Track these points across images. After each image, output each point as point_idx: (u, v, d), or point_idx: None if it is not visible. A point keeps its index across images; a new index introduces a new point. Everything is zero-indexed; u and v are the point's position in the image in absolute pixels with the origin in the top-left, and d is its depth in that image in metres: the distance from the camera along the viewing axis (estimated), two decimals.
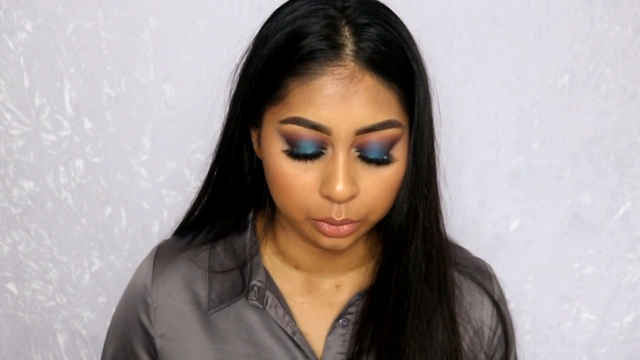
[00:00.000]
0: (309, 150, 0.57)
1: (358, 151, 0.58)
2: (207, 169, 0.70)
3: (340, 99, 0.55)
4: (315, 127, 0.56)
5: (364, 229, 0.62)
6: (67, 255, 1.02)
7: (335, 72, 0.55)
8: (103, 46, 0.91)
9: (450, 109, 0.92)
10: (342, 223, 0.59)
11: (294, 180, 0.58)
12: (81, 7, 0.89)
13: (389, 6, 0.61)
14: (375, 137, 0.57)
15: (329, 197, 0.58)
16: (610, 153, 0.94)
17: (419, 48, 0.60)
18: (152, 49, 0.91)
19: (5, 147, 0.96)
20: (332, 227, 0.60)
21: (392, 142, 0.58)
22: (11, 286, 1.04)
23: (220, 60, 0.90)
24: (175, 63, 0.91)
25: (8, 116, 0.95)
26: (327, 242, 0.61)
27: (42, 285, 1.04)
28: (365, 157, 0.58)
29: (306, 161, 0.58)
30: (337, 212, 0.59)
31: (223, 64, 0.89)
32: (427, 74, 0.61)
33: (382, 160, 0.58)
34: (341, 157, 0.56)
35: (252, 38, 0.62)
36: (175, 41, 0.90)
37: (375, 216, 0.62)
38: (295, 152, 0.57)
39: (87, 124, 0.95)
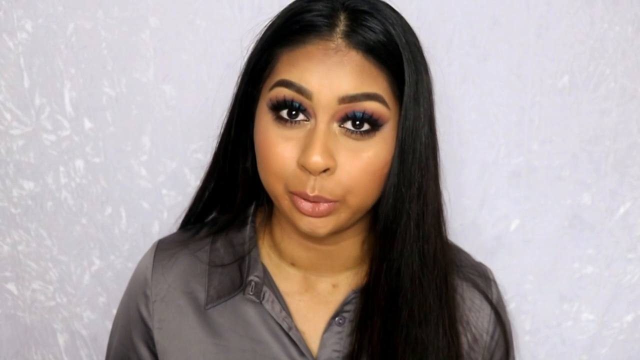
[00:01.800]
0: (291, 108, 0.58)
1: (340, 123, 0.58)
2: (209, 165, 0.71)
3: (325, 65, 0.57)
4: (298, 90, 0.57)
5: (344, 214, 0.61)
6: (67, 255, 1.02)
7: (321, 45, 0.57)
8: (103, 46, 0.91)
9: (450, 109, 0.92)
10: (315, 200, 0.59)
11: (275, 148, 0.59)
12: (81, 7, 0.89)
13: (393, 7, 0.62)
14: (358, 108, 0.57)
15: (304, 167, 0.58)
16: (610, 153, 0.94)
17: (420, 44, 0.61)
18: (152, 49, 0.91)
19: (5, 147, 0.96)
20: (307, 203, 0.59)
21: (376, 119, 0.58)
22: (11, 286, 1.04)
23: (221, 60, 0.90)
24: (175, 63, 0.91)
25: (8, 116, 0.95)
26: (304, 223, 0.61)
27: (42, 285, 1.04)
28: (347, 129, 0.58)
29: (286, 123, 0.59)
30: (311, 188, 0.58)
31: (223, 64, 0.90)
32: (428, 72, 0.62)
33: (364, 133, 0.58)
34: (321, 127, 0.57)
35: (257, 38, 0.64)
36: (175, 41, 0.90)
37: (355, 200, 0.60)
38: (279, 115, 0.59)
39: (87, 124, 0.95)
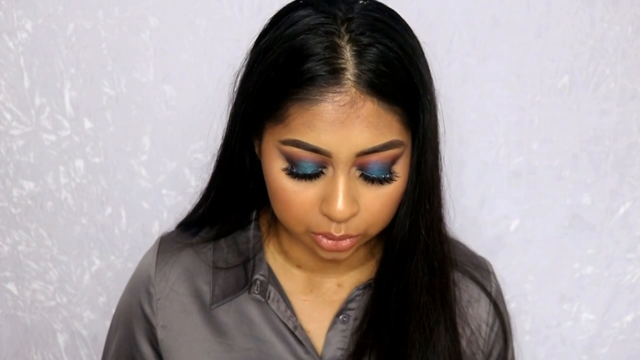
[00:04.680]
0: (309, 170, 0.57)
1: (359, 170, 0.58)
2: (210, 170, 0.70)
3: (341, 125, 0.54)
4: (315, 150, 0.55)
5: (363, 240, 0.63)
6: (67, 255, 1.02)
7: (336, 99, 0.54)
8: (103, 46, 0.91)
9: (450, 109, 0.91)
10: (341, 238, 0.60)
11: (294, 197, 0.58)
12: (81, 7, 0.89)
13: (392, 8, 0.60)
14: (376, 158, 0.56)
15: (328, 216, 0.58)
16: (610, 153, 0.94)
17: (425, 59, 0.59)
18: (152, 49, 0.91)
19: (5, 147, 0.96)
20: (330, 242, 0.60)
21: (393, 161, 0.58)
22: (11, 286, 1.04)
23: (221, 60, 0.90)
24: (175, 63, 0.91)
25: (8, 116, 0.95)
26: (326, 254, 0.62)
27: (42, 285, 1.04)
28: (367, 177, 0.58)
29: (306, 180, 0.58)
30: (337, 229, 0.59)
31: (223, 64, 0.90)
32: (433, 88, 0.60)
33: (384, 179, 0.58)
34: (341, 177, 0.56)
35: (251, 43, 0.61)
36: (175, 41, 0.90)
37: (375, 229, 0.62)
38: (295, 172, 0.57)
39: (87, 124, 0.95)
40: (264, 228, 0.72)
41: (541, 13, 0.88)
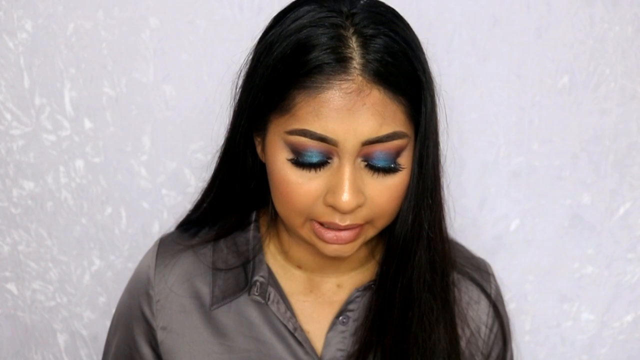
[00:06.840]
0: (314, 159, 0.57)
1: (364, 160, 0.58)
2: (210, 170, 0.70)
3: (348, 112, 0.55)
4: (321, 139, 0.56)
5: (370, 233, 0.63)
6: (67, 255, 1.02)
7: (343, 87, 0.55)
8: (103, 46, 0.91)
9: (450, 109, 0.91)
10: (346, 228, 0.60)
11: (298, 189, 0.58)
12: (81, 7, 0.89)
13: (393, 7, 0.60)
14: (381, 148, 0.57)
15: (334, 207, 0.58)
16: (610, 153, 0.94)
17: (426, 55, 0.60)
18: (152, 49, 0.91)
19: (5, 147, 0.96)
20: (332, 233, 0.60)
21: (398, 152, 0.58)
22: (11, 286, 1.04)
23: (221, 60, 0.90)
24: (175, 63, 0.91)
25: (8, 116, 0.95)
26: (329, 249, 0.62)
27: (42, 285, 1.04)
28: (373, 166, 0.58)
29: (310, 170, 0.58)
30: (342, 219, 0.59)
31: (223, 64, 0.90)
32: (434, 83, 0.61)
33: (390, 169, 0.58)
34: (347, 167, 0.57)
35: (255, 41, 0.62)
36: (175, 41, 0.90)
37: (382, 222, 0.62)
38: (300, 161, 0.57)
39: (87, 124, 0.95)
40: (263, 229, 0.72)
41: (541, 13, 0.88)
